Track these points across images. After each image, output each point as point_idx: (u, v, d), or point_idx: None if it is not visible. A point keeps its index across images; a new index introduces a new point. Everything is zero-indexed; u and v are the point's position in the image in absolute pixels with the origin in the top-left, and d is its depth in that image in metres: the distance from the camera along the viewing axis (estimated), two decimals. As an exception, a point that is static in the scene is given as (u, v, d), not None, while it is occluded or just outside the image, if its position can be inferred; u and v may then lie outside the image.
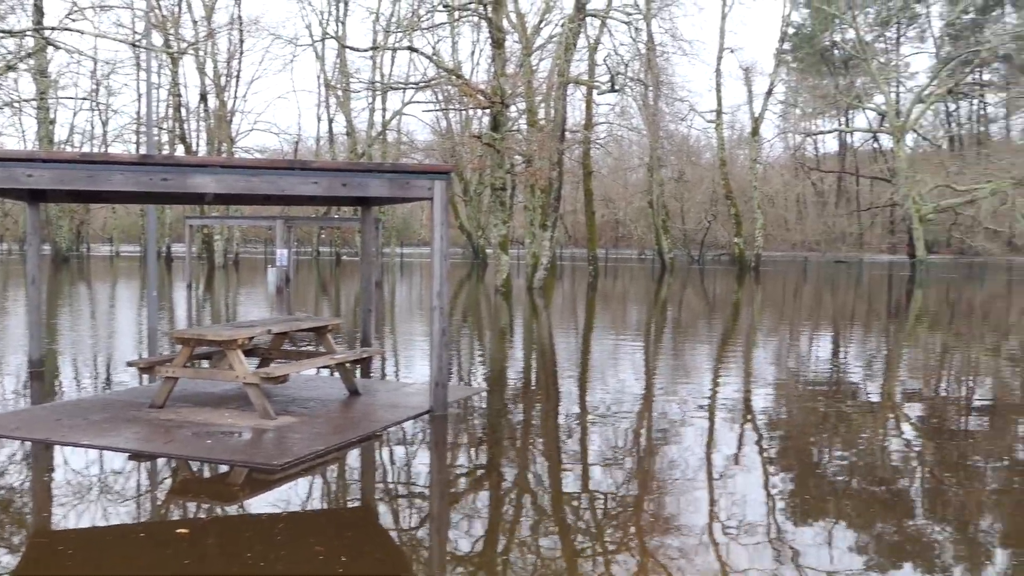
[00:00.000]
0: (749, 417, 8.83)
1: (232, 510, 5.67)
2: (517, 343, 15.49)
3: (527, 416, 8.83)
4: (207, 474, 6.47)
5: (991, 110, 77.16)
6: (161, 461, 6.66)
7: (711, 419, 8.63)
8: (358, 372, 10.34)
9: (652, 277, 41.87)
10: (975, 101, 75.26)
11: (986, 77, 69.42)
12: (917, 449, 7.73)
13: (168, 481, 6.34)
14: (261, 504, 5.77)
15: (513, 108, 29.87)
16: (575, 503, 5.90)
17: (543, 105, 30.98)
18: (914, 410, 9.50)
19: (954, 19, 64.75)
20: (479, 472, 6.70)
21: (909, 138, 60.00)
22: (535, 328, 18.12)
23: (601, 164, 58.41)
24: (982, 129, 76.58)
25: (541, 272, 28.41)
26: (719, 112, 49.95)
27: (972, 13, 68.95)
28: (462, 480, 6.49)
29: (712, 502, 5.92)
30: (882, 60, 64.23)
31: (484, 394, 9.73)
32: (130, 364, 8.70)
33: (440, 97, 44.71)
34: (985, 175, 54.46)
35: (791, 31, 62.56)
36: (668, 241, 49.91)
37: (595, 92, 37.82)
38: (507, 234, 29.06)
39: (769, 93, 51.70)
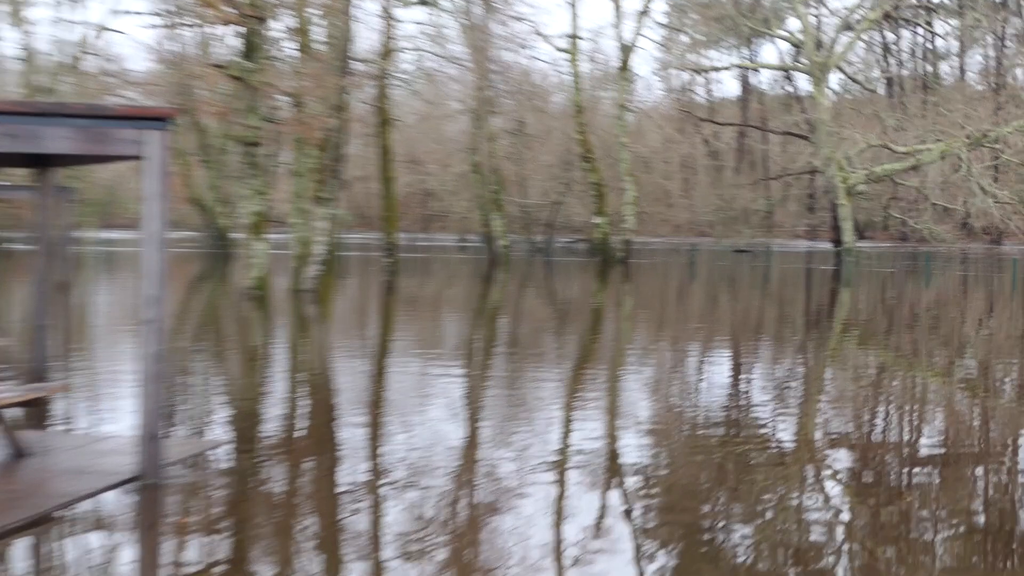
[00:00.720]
0: (615, 476, 8.94)
1: None
2: (277, 372, 15.30)
3: (290, 482, 8.67)
4: None
5: (940, 43, 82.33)
6: None
7: (561, 481, 8.69)
8: (30, 421, 9.89)
9: (478, 273, 42.16)
10: (919, 30, 80.00)
11: (934, -2, 74.06)
12: (845, 515, 8.02)
13: None
14: None
15: (275, 25, 29.42)
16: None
17: (320, 22, 30.63)
18: (841, 460, 9.87)
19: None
20: (214, 570, 6.50)
21: (833, 79, 63.13)
22: (304, 350, 17.94)
23: (406, 109, 58.40)
24: (929, 69, 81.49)
25: (315, 267, 28.08)
26: (574, 38, 50.85)
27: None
28: (188, 584, 6.28)
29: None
30: (797, -30, 67.26)
31: (224, 450, 9.52)
32: None
33: (167, 8, 43.55)
34: (933, 131, 57.45)
35: (673, -75, 64.53)
36: (502, 222, 50.39)
37: (396, 5, 37.79)
38: (264, 212, 28.53)
39: (644, 13, 53.06)
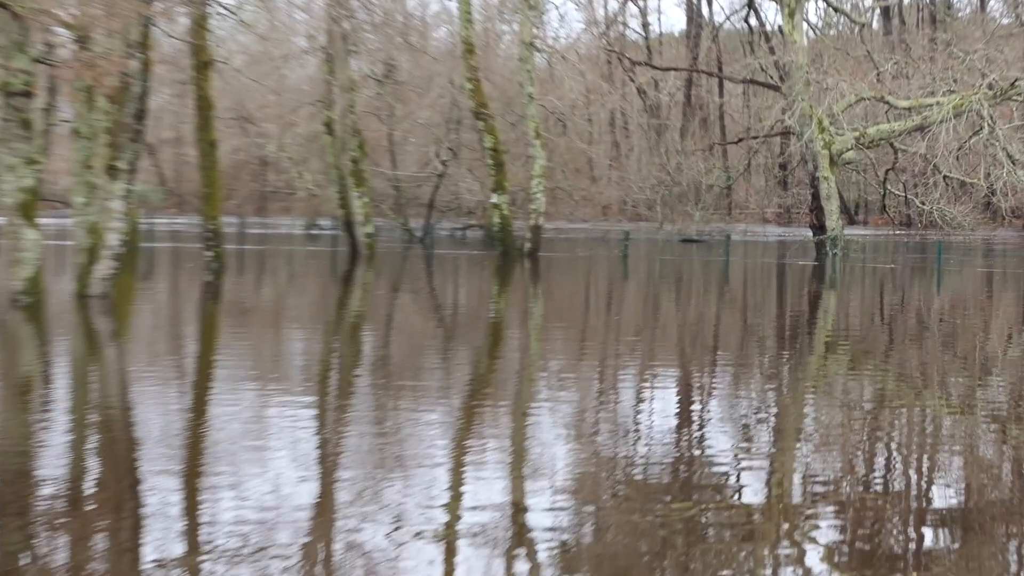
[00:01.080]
0: (524, 549, 8.97)
1: None
2: (57, 409, 15.12)
3: (77, 562, 8.57)
4: None
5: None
6: None
7: (449, 559, 8.70)
8: None
9: (334, 272, 42.00)
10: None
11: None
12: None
13: None
14: None
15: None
16: None
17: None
18: (828, 522, 9.99)
19: None
20: None
21: (811, 9, 63.59)
22: (95, 376, 17.78)
23: (232, 48, 57.99)
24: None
25: (108, 264, 27.79)
26: (462, -50, 50.99)
27: None
28: None
29: None
30: None
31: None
32: None
33: None
34: (944, 80, 58.02)
35: None
36: (365, 201, 50.19)
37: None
38: (37, 187, 28.19)
39: (557, -84, 53.37)
